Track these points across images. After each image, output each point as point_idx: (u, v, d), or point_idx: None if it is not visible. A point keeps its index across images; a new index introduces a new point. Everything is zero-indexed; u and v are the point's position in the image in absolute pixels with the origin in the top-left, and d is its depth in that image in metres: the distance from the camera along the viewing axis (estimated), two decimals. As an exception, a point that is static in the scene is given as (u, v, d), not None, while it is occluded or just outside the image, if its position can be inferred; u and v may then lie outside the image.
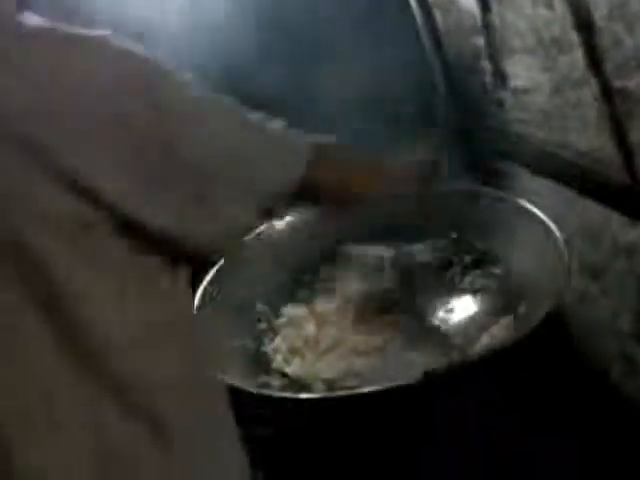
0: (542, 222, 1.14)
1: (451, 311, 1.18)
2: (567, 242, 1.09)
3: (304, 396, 1.01)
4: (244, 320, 1.23)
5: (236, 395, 0.98)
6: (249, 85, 1.43)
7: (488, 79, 1.43)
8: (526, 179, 1.40)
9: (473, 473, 1.01)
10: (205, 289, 1.19)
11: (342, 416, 1.03)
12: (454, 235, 1.30)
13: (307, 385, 1.11)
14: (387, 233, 1.31)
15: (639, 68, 1.00)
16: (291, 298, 1.29)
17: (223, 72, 1.37)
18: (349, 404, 0.98)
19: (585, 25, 1.08)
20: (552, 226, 1.12)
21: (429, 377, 0.93)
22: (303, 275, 1.33)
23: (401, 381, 0.95)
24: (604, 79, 1.09)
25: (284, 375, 1.14)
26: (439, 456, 1.01)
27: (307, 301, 1.28)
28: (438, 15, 1.53)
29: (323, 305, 1.26)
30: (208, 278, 1.21)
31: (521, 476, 1.01)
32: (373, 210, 1.28)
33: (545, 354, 1.10)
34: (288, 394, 1.03)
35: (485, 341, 1.09)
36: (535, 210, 1.17)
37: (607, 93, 1.10)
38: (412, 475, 1.02)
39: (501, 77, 1.39)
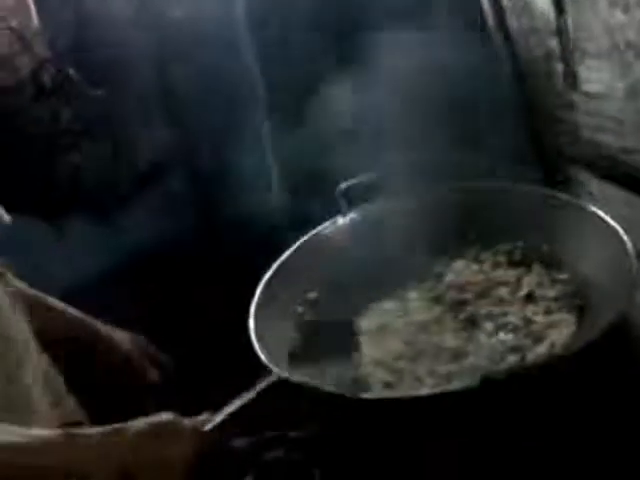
0: (611, 229, 1.11)
1: (512, 315, 1.16)
2: (637, 251, 1.06)
3: (358, 396, 1.01)
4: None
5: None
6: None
7: (560, 83, 1.41)
8: (596, 186, 1.38)
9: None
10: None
11: (397, 417, 1.02)
12: (521, 240, 1.27)
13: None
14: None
15: None
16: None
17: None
18: (404, 406, 0.98)
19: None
20: (622, 234, 1.09)
21: (487, 382, 0.91)
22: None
23: (459, 385, 0.95)
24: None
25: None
26: (494, 463, 1.00)
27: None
28: (511, 16, 1.51)
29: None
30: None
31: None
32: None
33: (608, 365, 1.07)
34: (341, 391, 1.02)
35: (545, 348, 1.07)
36: (605, 217, 1.14)
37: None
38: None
39: (573, 80, 1.36)
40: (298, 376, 1.05)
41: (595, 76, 1.30)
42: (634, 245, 1.07)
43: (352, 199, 1.34)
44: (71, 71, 1.50)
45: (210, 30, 1.55)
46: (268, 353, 1.06)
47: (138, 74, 1.61)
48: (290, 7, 1.55)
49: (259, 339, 1.08)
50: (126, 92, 1.59)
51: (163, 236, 1.43)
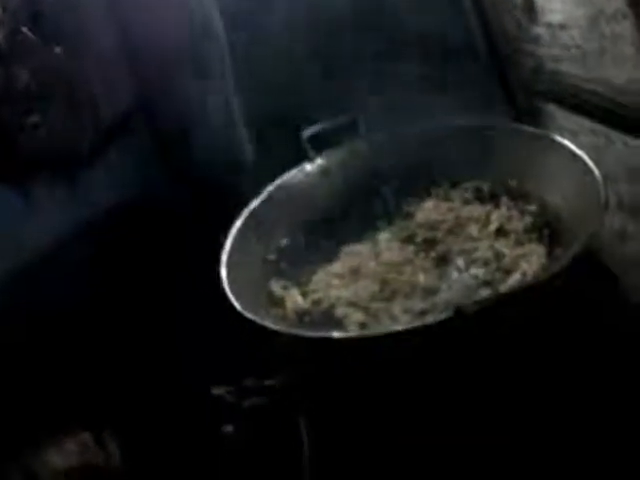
0: (578, 158, 1.12)
1: (483, 250, 1.16)
2: (604, 179, 1.06)
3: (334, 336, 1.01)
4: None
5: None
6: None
7: (521, 15, 1.40)
8: (562, 117, 1.37)
9: (506, 412, 1.00)
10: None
11: (375, 356, 1.02)
12: (489, 175, 1.27)
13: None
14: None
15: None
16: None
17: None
18: (381, 343, 0.98)
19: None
20: (588, 161, 1.10)
21: (461, 314, 0.92)
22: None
23: (433, 318, 0.95)
24: (641, 10, 1.06)
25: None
26: (473, 395, 1.01)
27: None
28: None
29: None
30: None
31: (556, 416, 1.00)
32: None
33: (581, 292, 1.08)
34: (318, 334, 1.02)
35: (516, 280, 1.08)
36: (570, 146, 1.14)
37: (645, 25, 1.06)
38: (446, 416, 1.01)
39: (534, 12, 1.35)
40: (274, 323, 1.05)
41: (556, 6, 1.29)
42: (600, 172, 1.08)
43: (319, 144, 1.33)
44: (25, 30, 1.46)
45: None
46: (242, 300, 1.05)
47: (96, 29, 1.57)
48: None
49: (232, 287, 1.08)
50: (84, 48, 1.55)
51: (130, 191, 1.42)
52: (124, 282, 1.32)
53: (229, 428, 1.03)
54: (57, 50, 1.50)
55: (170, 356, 1.15)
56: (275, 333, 1.02)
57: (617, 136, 1.22)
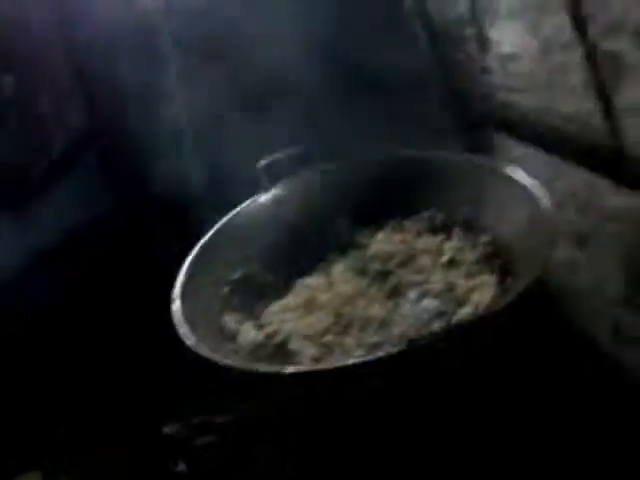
0: (528, 189, 1.13)
1: (435, 281, 1.16)
2: (555, 209, 1.07)
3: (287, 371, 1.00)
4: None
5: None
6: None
7: (473, 46, 1.41)
8: (512, 146, 1.39)
9: (456, 440, 1.00)
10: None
11: (328, 390, 1.02)
12: (442, 206, 1.28)
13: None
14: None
15: (625, 29, 0.99)
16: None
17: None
18: (335, 377, 0.97)
19: (571, -15, 1.07)
20: (539, 193, 1.11)
21: (414, 346, 0.92)
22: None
23: (386, 350, 0.95)
24: (589, 41, 1.08)
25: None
26: (424, 425, 1.01)
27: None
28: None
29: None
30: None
31: (507, 442, 1.00)
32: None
33: (531, 322, 1.09)
34: (271, 369, 1.01)
35: (469, 311, 1.08)
36: (521, 177, 1.15)
37: (592, 56, 1.08)
38: (398, 445, 1.01)
39: (485, 43, 1.37)
40: (226, 357, 1.04)
41: (507, 37, 1.31)
42: (551, 203, 1.09)
43: (273, 175, 1.33)
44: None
45: (123, 11, 1.51)
46: (194, 336, 1.04)
47: (49, 60, 1.57)
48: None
49: (184, 321, 1.07)
50: (36, 78, 1.54)
51: (80, 222, 1.40)
52: (70, 314, 1.31)
53: (182, 467, 1.02)
54: (8, 79, 1.49)
55: (121, 393, 1.13)
56: (228, 368, 1.01)
57: (566, 166, 1.23)
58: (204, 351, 1.01)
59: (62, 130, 1.50)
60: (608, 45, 1.03)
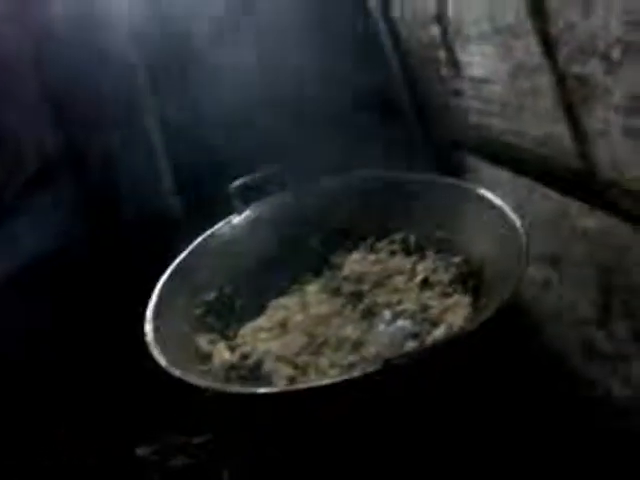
0: (501, 210, 1.14)
1: (409, 302, 1.17)
2: (526, 230, 1.09)
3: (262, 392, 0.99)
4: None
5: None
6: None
7: (444, 69, 1.43)
8: (484, 169, 1.40)
9: (432, 459, 1.00)
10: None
11: (303, 410, 1.01)
12: (415, 227, 1.28)
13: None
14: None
15: (594, 53, 1.00)
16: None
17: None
18: (309, 397, 0.97)
19: (539, 10, 1.08)
20: (511, 214, 1.12)
21: (389, 366, 0.92)
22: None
23: (361, 370, 0.94)
24: (559, 65, 1.09)
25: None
26: (399, 445, 1.00)
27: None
28: (395, 5, 1.53)
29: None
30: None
31: (483, 459, 1.00)
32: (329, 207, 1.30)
33: (504, 342, 1.09)
34: (246, 390, 1.01)
35: (442, 331, 1.09)
36: (493, 198, 1.16)
37: (562, 80, 1.10)
38: (374, 465, 1.01)
39: (456, 66, 1.38)
40: (200, 378, 1.03)
41: (477, 61, 1.32)
42: (522, 224, 1.10)
43: (246, 197, 1.33)
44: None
45: (91, 29, 1.51)
46: (168, 356, 1.03)
47: (22, 80, 1.56)
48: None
49: (157, 342, 1.06)
50: (10, 98, 1.54)
51: (54, 243, 1.39)
52: (44, 337, 1.29)
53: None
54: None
55: (96, 414, 1.12)
56: (201, 389, 1.00)
57: (538, 188, 1.25)
58: (177, 372, 1.01)
59: (35, 150, 1.49)
60: (577, 69, 1.05)
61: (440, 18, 1.38)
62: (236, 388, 1.02)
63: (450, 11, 1.33)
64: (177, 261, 1.24)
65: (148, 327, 1.09)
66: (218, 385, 1.03)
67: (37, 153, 1.51)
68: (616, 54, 0.96)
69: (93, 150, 1.55)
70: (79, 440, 1.06)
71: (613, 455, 1.03)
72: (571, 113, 1.11)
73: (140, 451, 1.02)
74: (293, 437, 1.03)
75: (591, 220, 1.14)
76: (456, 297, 1.15)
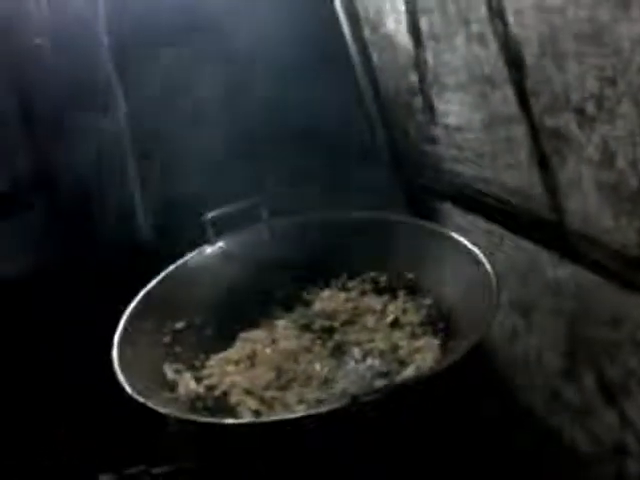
0: (472, 255, 1.15)
1: (379, 341, 1.17)
2: (497, 275, 1.10)
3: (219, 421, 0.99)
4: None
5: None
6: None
7: (421, 115, 1.45)
8: (457, 216, 1.42)
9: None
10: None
11: (268, 440, 1.01)
12: (387, 268, 1.29)
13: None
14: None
15: (568, 107, 1.02)
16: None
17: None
18: (275, 430, 0.96)
19: (515, 62, 1.11)
20: (482, 259, 1.13)
21: (357, 402, 0.91)
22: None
23: (329, 406, 0.94)
24: (534, 117, 1.11)
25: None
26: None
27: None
28: (374, 51, 1.55)
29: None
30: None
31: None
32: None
33: (470, 386, 1.10)
34: (210, 420, 1.00)
35: (411, 372, 1.09)
36: (466, 243, 1.18)
37: (536, 131, 1.12)
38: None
39: (432, 114, 1.41)
40: (165, 406, 1.02)
41: (454, 109, 1.34)
42: (493, 270, 1.11)
43: (219, 228, 1.33)
44: None
45: (70, 54, 1.51)
46: (133, 383, 1.02)
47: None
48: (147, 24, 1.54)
49: (123, 369, 1.05)
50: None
51: (24, 270, 1.37)
52: (9, 358, 1.27)
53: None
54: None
55: (57, 440, 1.10)
56: (166, 418, 0.99)
57: (509, 237, 1.26)
58: (141, 399, 1.00)
59: (6, 170, 1.48)
60: (552, 122, 1.07)
61: (418, 65, 1.40)
62: (202, 417, 1.01)
63: (429, 59, 1.36)
64: (147, 288, 1.23)
65: (114, 352, 1.08)
66: (183, 414, 1.02)
67: (8, 174, 1.50)
68: (590, 108, 0.99)
69: (65, 176, 1.54)
70: (41, 464, 1.04)
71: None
72: (544, 164, 1.12)
73: (102, 478, 1.00)
74: (258, 470, 1.02)
75: (561, 270, 1.15)
76: (425, 339, 1.16)
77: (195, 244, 1.32)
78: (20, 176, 1.49)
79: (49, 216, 1.48)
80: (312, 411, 0.99)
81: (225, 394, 1.13)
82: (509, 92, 1.14)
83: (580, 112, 1.00)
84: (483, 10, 1.12)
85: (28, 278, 1.36)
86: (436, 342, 1.14)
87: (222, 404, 1.11)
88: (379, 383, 1.08)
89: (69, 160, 1.51)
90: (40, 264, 1.39)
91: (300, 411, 1.04)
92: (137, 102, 1.53)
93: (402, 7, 1.36)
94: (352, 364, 1.14)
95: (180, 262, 1.30)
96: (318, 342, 1.20)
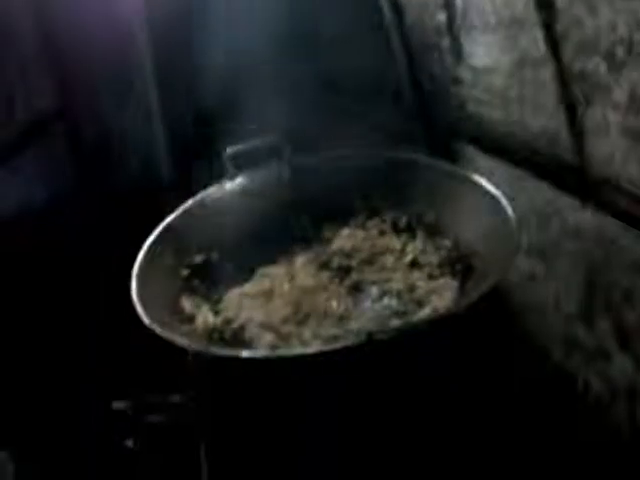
0: (493, 198, 1.14)
1: (397, 281, 1.17)
2: (518, 219, 1.09)
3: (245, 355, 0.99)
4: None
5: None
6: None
7: (447, 56, 1.43)
8: (480, 158, 1.41)
9: (410, 437, 1.01)
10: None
11: (284, 378, 1.02)
12: (407, 208, 1.29)
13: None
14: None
15: (598, 51, 1.01)
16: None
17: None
18: (292, 365, 0.97)
19: (546, 4, 1.09)
20: (503, 202, 1.12)
21: (372, 340, 0.92)
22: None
23: (345, 342, 0.95)
24: (562, 60, 1.10)
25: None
26: (377, 420, 1.01)
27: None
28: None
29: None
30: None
31: (459, 443, 1.01)
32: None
33: (487, 329, 1.10)
34: (227, 352, 1.01)
35: (428, 312, 1.09)
36: (487, 186, 1.17)
37: (564, 75, 1.10)
38: (352, 439, 1.01)
39: (459, 55, 1.39)
40: (182, 338, 1.03)
41: (481, 50, 1.32)
42: (515, 213, 1.10)
43: (240, 163, 1.32)
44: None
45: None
46: (151, 314, 1.03)
47: (20, 34, 1.54)
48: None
49: (141, 300, 1.05)
50: (6, 50, 1.52)
51: (43, 200, 1.38)
52: (28, 292, 1.28)
53: (129, 443, 1.01)
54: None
55: (73, 367, 1.12)
56: (183, 349, 1.00)
57: (531, 181, 1.26)
58: (159, 330, 1.01)
59: (30, 101, 1.48)
60: (580, 64, 1.06)
61: (447, 5, 1.38)
62: (218, 350, 1.02)
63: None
64: (166, 222, 1.23)
65: (133, 284, 1.09)
66: (200, 346, 1.03)
67: (30, 107, 1.50)
68: (620, 53, 0.97)
69: (87, 111, 1.53)
70: (59, 391, 1.06)
71: (591, 450, 1.04)
72: (571, 108, 1.11)
73: (116, 405, 1.02)
74: (271, 404, 1.03)
75: (582, 215, 1.15)
76: (443, 280, 1.15)
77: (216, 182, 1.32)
78: (43, 104, 1.48)
79: (68, 147, 1.48)
80: (327, 347, 1.00)
81: (242, 328, 1.13)
82: (538, 35, 1.12)
83: (610, 56, 0.99)
84: (515, -51, 1.09)
85: (46, 209, 1.36)
86: (454, 283, 1.14)
87: (239, 337, 1.12)
88: (395, 322, 1.08)
89: (90, 94, 1.51)
90: (57, 193, 1.40)
91: (317, 345, 1.04)
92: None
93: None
94: (369, 303, 1.14)
95: (199, 197, 1.29)
96: (336, 280, 1.20)
